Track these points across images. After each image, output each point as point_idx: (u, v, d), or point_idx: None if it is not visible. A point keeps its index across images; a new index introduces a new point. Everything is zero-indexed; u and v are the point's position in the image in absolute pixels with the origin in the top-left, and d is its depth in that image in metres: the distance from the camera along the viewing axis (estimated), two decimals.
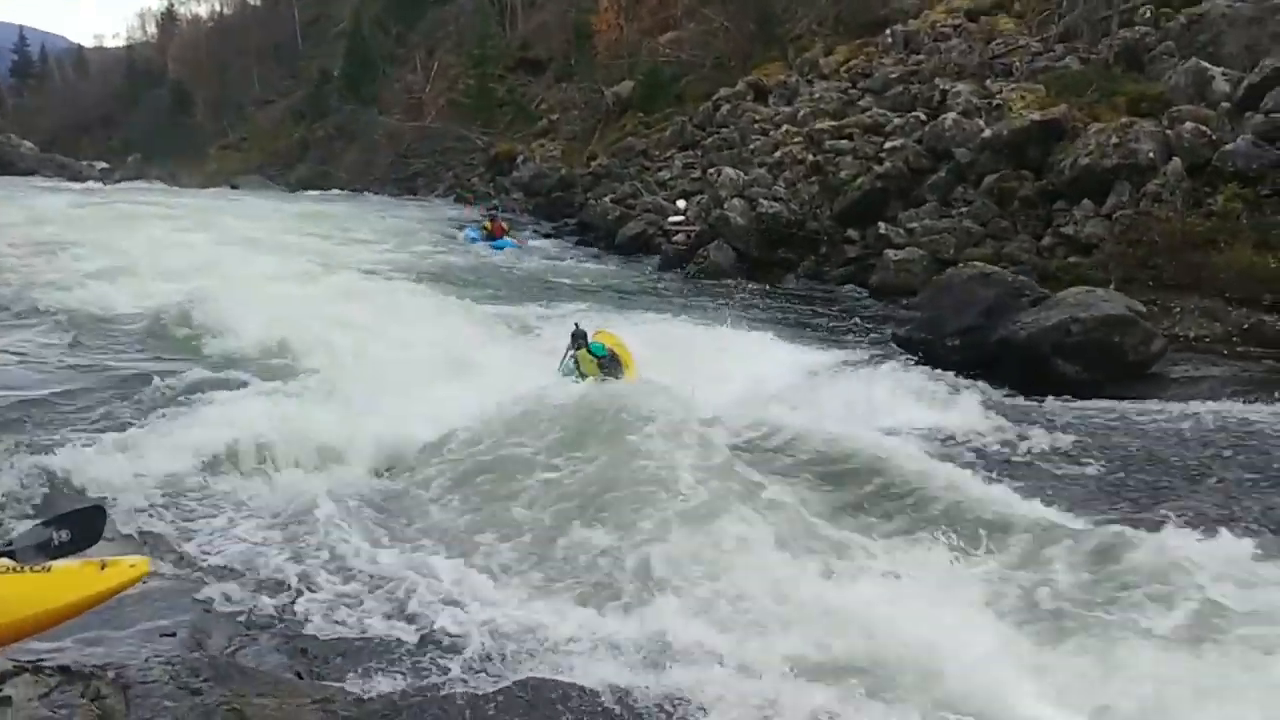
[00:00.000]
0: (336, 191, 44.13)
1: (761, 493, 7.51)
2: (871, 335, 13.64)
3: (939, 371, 10.90)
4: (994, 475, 8.25)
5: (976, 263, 13.01)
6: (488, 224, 26.15)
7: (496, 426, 8.34)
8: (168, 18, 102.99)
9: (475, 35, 51.97)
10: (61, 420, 8.05)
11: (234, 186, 47.84)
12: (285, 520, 6.19)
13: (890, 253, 16.60)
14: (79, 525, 4.33)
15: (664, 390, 8.77)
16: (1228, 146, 14.13)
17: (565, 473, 7.53)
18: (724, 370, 11.28)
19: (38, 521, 4.49)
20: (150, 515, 6.11)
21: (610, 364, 11.09)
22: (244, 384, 9.05)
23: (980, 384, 10.58)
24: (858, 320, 14.78)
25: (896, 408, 10.07)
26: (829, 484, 8.11)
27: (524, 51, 49.11)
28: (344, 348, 11.03)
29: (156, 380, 9.11)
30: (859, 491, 7.94)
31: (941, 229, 16.65)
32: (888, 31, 27.25)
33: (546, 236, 25.84)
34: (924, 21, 26.96)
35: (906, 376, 10.83)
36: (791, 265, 18.96)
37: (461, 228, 27.17)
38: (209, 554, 5.63)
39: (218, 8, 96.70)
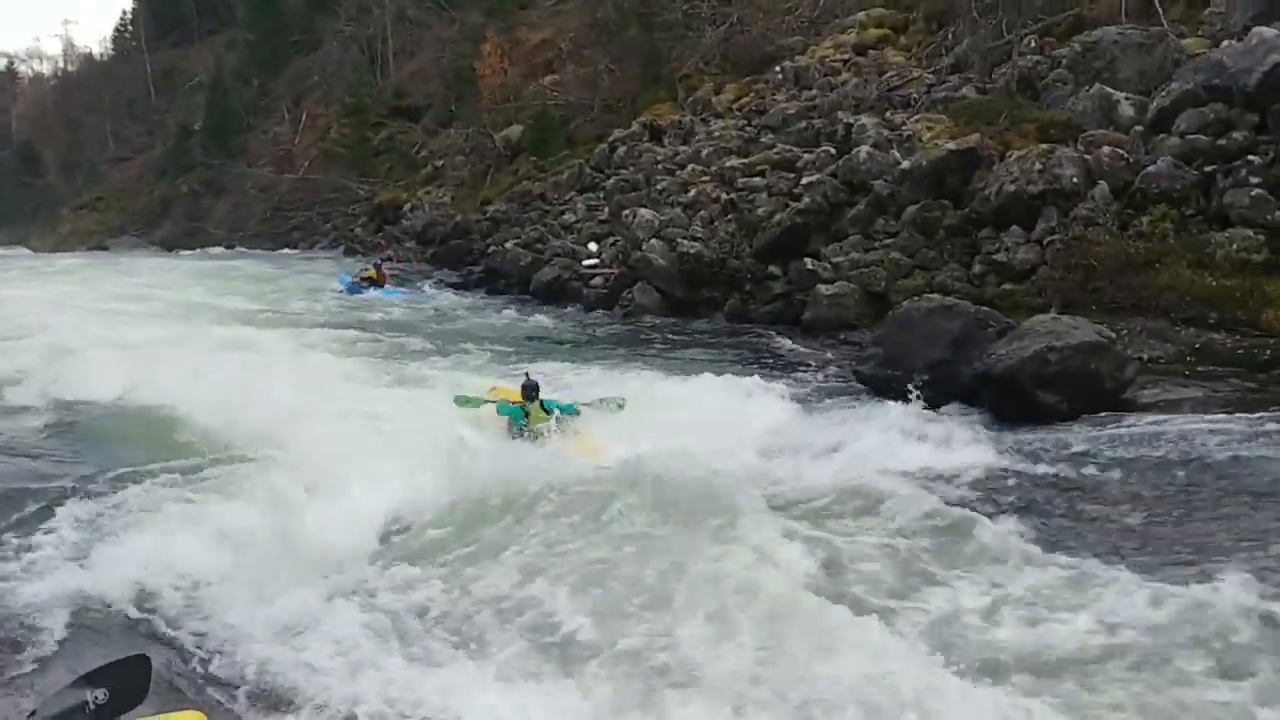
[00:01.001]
0: (218, 250, 42.30)
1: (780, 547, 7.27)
2: (826, 373, 13.46)
3: (911, 408, 10.67)
4: (1009, 515, 8.03)
5: (933, 295, 12.96)
6: (372, 272, 25.70)
7: (471, 507, 7.97)
8: (8, 76, 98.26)
9: (344, 84, 50.94)
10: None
11: (104, 248, 45.70)
12: (321, 638, 5.56)
13: (821, 288, 16.51)
14: (118, 680, 3.49)
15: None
16: (1150, 169, 14.45)
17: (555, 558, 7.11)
18: (686, 419, 10.90)
19: (68, 682, 3.60)
20: (178, 653, 5.40)
21: (563, 419, 10.66)
22: (210, 477, 8.31)
23: (959, 419, 10.44)
24: (804, 358, 14.62)
25: (881, 448, 9.81)
26: (843, 533, 7.82)
27: (398, 99, 48.23)
28: (294, 426, 10.27)
29: (118, 476, 8.31)
30: (870, 538, 7.70)
31: (870, 262, 16.64)
32: (778, 68, 27.44)
33: (454, 286, 25.12)
34: (813, 57, 27.26)
35: (880, 415, 10.61)
36: (717, 304, 18.76)
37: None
38: (262, 692, 4.97)
39: (62, 65, 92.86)
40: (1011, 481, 8.85)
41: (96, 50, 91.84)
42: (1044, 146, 15.57)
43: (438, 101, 44.09)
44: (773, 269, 18.54)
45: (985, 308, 11.86)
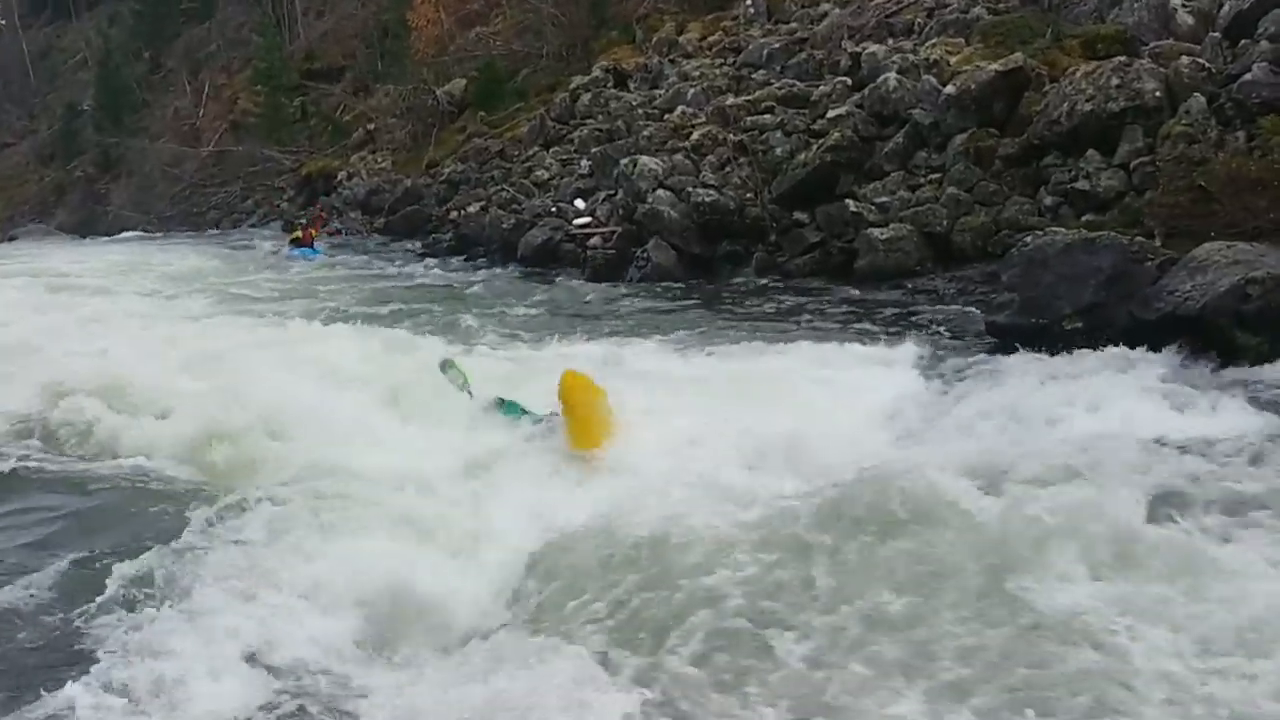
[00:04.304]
0: (133, 234, 38.92)
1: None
2: (929, 327, 11.81)
3: (1076, 359, 9.16)
4: None
5: (1057, 229, 11.37)
6: (298, 232, 25.29)
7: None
8: None
9: (247, 51, 47.68)
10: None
11: (12, 239, 42.35)
12: None
13: (875, 232, 14.86)
14: None
15: None
16: (1246, 77, 13.03)
17: None
18: (797, 402, 9.09)
19: None
20: None
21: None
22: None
23: (1143, 368, 8.82)
24: (884, 313, 12.94)
25: (1067, 411, 8.21)
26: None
27: (311, 62, 45.14)
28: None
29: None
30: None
31: (925, 200, 15.05)
32: (747, 2, 25.62)
33: (423, 256, 22.87)
34: None
35: (1040, 370, 9.08)
36: (741, 259, 16.98)
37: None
38: None
39: None
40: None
41: None
42: (1120, 59, 14.05)
43: (358, 61, 41.26)
44: (799, 215, 16.81)
45: (1139, 238, 10.30)
